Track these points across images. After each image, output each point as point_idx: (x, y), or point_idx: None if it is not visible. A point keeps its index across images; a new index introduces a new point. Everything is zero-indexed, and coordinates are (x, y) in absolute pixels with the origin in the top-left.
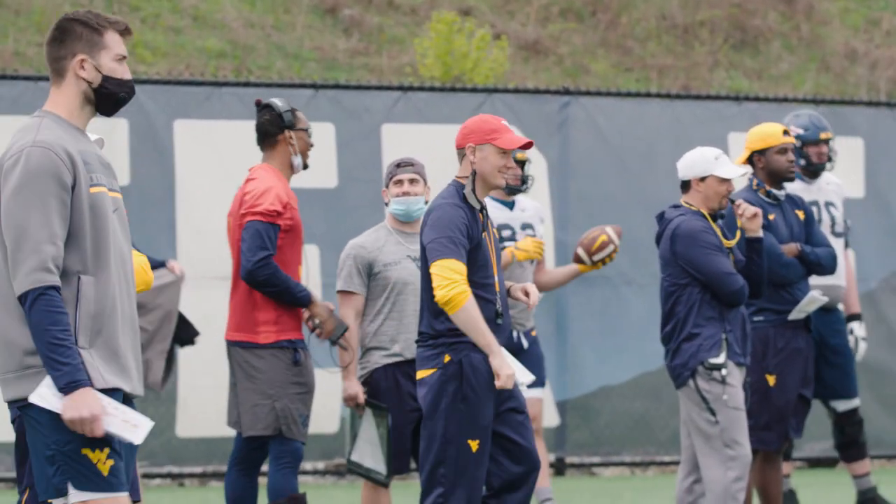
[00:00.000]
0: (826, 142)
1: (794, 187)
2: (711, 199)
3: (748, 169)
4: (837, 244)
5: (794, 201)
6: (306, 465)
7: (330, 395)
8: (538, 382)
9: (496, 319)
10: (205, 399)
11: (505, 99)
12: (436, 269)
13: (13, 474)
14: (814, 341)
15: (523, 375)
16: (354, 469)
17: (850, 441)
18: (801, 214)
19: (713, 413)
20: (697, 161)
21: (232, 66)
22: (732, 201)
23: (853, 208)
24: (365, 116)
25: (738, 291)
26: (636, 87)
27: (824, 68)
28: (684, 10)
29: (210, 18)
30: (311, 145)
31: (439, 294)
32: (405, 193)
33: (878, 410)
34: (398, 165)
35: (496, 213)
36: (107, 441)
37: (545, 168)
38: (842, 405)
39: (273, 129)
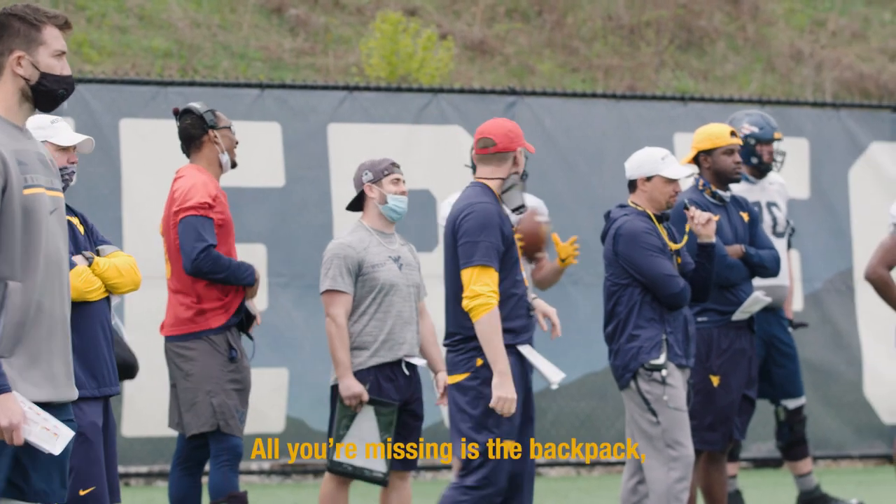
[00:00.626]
0: (776, 141)
1: (738, 188)
2: (657, 199)
3: (694, 169)
4: (779, 244)
5: (739, 203)
6: (252, 465)
7: (276, 394)
8: None
9: (529, 311)
10: (150, 399)
11: (451, 99)
12: (467, 274)
13: None
14: (762, 341)
15: (554, 374)
16: (336, 469)
17: (798, 439)
18: (745, 216)
19: (654, 414)
20: (644, 161)
21: (178, 65)
22: (687, 206)
23: (798, 209)
24: (311, 116)
25: (679, 294)
26: (582, 88)
27: (770, 69)
28: (630, 11)
29: (156, 18)
30: (236, 143)
31: (465, 301)
32: (403, 193)
33: (823, 411)
34: (393, 164)
35: None
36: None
37: None
38: (792, 403)
39: (197, 132)
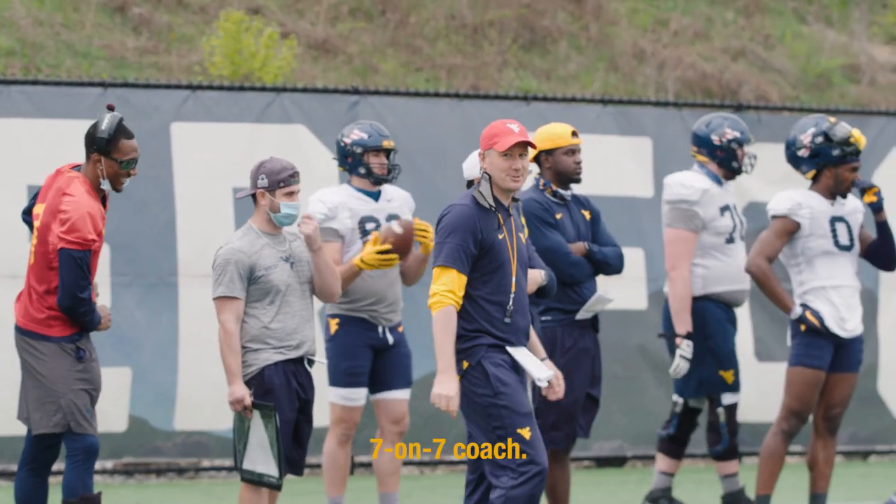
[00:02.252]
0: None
1: (714, 191)
2: None
3: (535, 168)
4: (741, 248)
5: (580, 201)
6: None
7: (118, 394)
8: (405, 382)
9: (504, 318)
10: None
11: (294, 98)
12: (434, 273)
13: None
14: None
15: (542, 372)
16: (248, 477)
17: (733, 436)
18: (587, 214)
19: None
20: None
21: (21, 64)
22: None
23: (642, 208)
24: (154, 115)
25: None
26: (425, 87)
27: (612, 68)
28: (473, 10)
29: None
30: (129, 175)
31: (428, 301)
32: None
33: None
34: (292, 175)
35: (361, 204)
36: None
37: (335, 168)
38: (729, 398)
39: (87, 145)
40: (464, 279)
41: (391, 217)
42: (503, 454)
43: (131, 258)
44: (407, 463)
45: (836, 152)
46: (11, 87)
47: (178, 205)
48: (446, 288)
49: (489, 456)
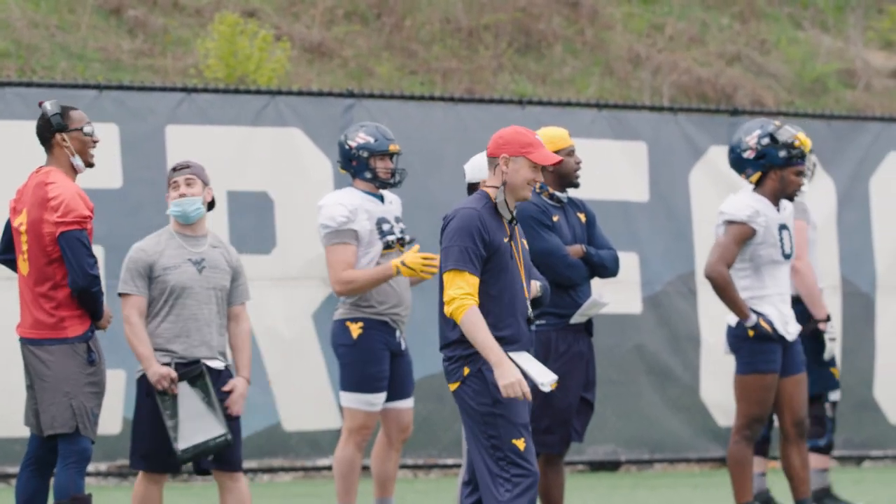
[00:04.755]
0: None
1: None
2: None
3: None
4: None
5: (577, 204)
6: (89, 467)
7: (113, 396)
8: (412, 390)
9: (509, 322)
10: None
11: (289, 101)
12: (445, 279)
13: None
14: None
15: (544, 376)
16: (188, 456)
17: (833, 432)
18: (582, 217)
19: None
20: (486, 164)
21: (16, 65)
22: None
23: (638, 212)
24: (149, 117)
25: None
26: (420, 91)
27: (608, 73)
28: (469, 14)
29: None
30: (95, 142)
31: (445, 308)
32: (182, 195)
33: (661, 413)
34: (174, 169)
35: (374, 206)
36: None
37: (330, 171)
38: (835, 395)
39: (45, 134)
40: (477, 280)
41: (397, 219)
42: (499, 463)
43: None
44: (401, 466)
45: (781, 154)
46: (6, 88)
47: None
48: (464, 291)
49: (484, 465)
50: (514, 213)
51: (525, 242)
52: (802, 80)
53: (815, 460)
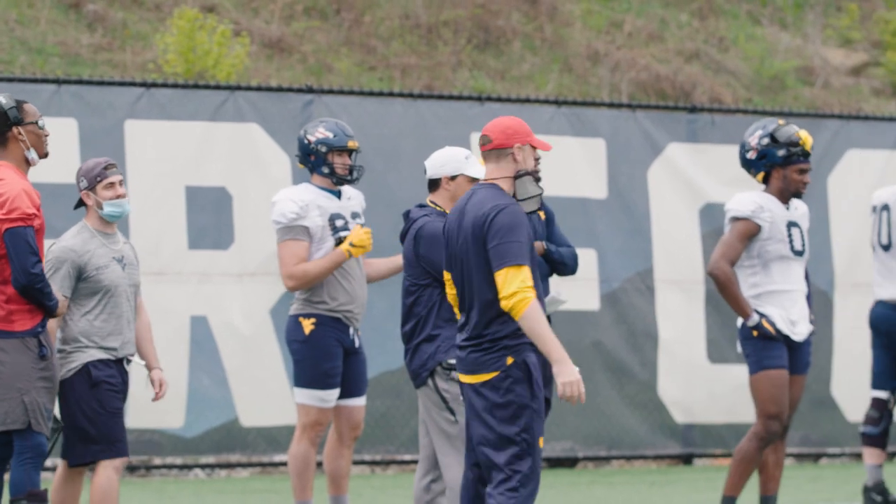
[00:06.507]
0: None
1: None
2: (459, 198)
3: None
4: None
5: None
6: (47, 462)
7: None
8: (365, 388)
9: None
10: None
11: (248, 96)
12: (500, 276)
13: None
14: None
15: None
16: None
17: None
18: (542, 214)
19: (452, 413)
20: (449, 160)
21: None
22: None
23: (596, 209)
24: (108, 112)
25: None
26: (380, 87)
27: (567, 69)
28: (428, 10)
29: None
30: (46, 135)
31: (503, 303)
32: (119, 196)
33: (618, 410)
34: (105, 168)
35: (328, 202)
36: None
37: (288, 167)
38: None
39: (2, 128)
40: (530, 273)
41: (354, 215)
42: (520, 457)
43: None
44: (358, 462)
45: (781, 153)
46: None
47: (131, 202)
48: (526, 284)
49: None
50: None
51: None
52: (761, 77)
53: (869, 455)
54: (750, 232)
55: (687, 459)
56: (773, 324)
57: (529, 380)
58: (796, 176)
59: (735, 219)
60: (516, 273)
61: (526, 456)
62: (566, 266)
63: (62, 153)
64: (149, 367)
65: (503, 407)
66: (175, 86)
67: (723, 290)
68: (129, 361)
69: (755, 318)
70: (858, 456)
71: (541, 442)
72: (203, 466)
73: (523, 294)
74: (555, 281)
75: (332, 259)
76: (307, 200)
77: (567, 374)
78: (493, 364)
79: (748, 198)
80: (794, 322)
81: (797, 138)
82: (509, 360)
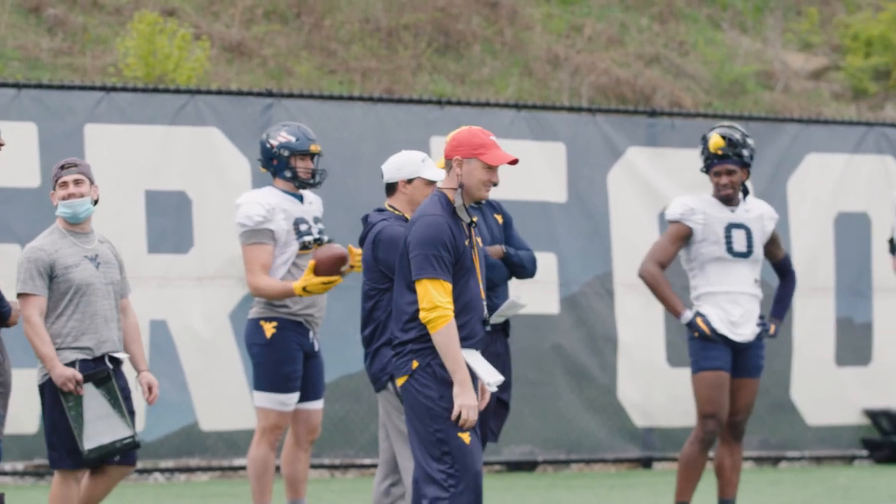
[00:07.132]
0: None
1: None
2: (418, 201)
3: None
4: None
5: (493, 206)
6: (6, 466)
7: (29, 395)
8: (322, 391)
9: (464, 322)
10: None
11: (208, 100)
12: (422, 286)
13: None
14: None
15: (491, 376)
16: (94, 457)
17: None
18: (499, 218)
19: None
20: (405, 163)
21: None
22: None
23: (555, 213)
24: (68, 116)
25: None
26: (340, 90)
27: (527, 73)
28: (388, 14)
29: None
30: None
31: (422, 314)
32: (70, 195)
33: (577, 414)
34: (62, 167)
35: (292, 206)
36: None
37: (248, 171)
38: None
39: None
40: (451, 287)
41: (316, 219)
42: (443, 458)
43: None
44: (317, 466)
45: (703, 157)
46: None
47: None
48: (447, 300)
49: (425, 460)
50: (473, 216)
51: (481, 242)
52: (721, 81)
53: None
54: (680, 234)
55: (646, 463)
56: (708, 324)
57: (436, 381)
58: (714, 179)
59: (670, 222)
60: (433, 286)
61: (447, 455)
62: (525, 269)
63: (22, 157)
64: (137, 370)
65: (414, 410)
66: (135, 90)
67: (653, 291)
68: (120, 362)
69: (687, 316)
70: (818, 459)
71: (466, 438)
72: (163, 471)
73: (443, 312)
74: (514, 284)
75: (283, 289)
76: (273, 204)
77: (466, 398)
78: (403, 368)
79: (680, 201)
80: (736, 324)
81: (709, 142)
82: (414, 364)
